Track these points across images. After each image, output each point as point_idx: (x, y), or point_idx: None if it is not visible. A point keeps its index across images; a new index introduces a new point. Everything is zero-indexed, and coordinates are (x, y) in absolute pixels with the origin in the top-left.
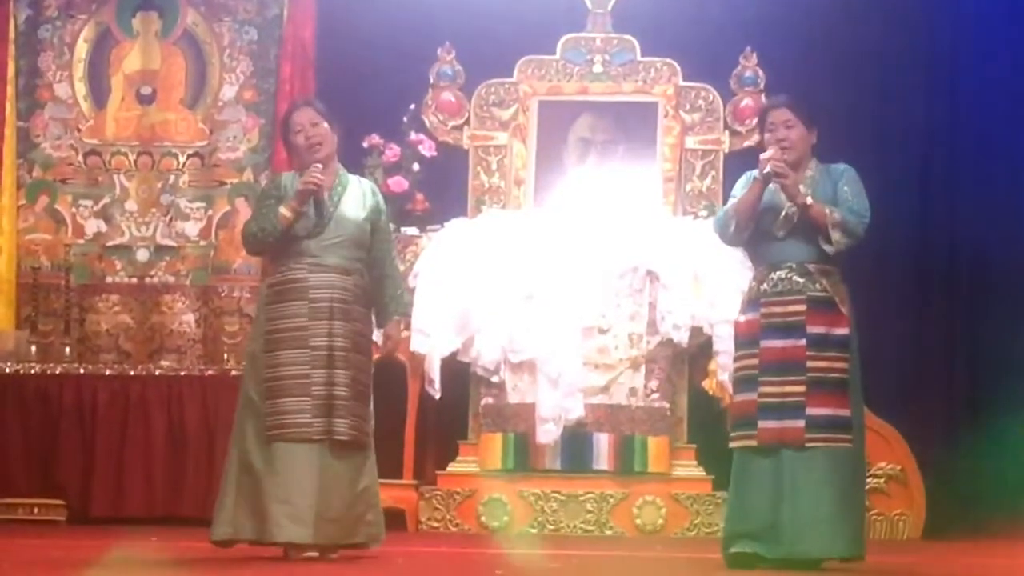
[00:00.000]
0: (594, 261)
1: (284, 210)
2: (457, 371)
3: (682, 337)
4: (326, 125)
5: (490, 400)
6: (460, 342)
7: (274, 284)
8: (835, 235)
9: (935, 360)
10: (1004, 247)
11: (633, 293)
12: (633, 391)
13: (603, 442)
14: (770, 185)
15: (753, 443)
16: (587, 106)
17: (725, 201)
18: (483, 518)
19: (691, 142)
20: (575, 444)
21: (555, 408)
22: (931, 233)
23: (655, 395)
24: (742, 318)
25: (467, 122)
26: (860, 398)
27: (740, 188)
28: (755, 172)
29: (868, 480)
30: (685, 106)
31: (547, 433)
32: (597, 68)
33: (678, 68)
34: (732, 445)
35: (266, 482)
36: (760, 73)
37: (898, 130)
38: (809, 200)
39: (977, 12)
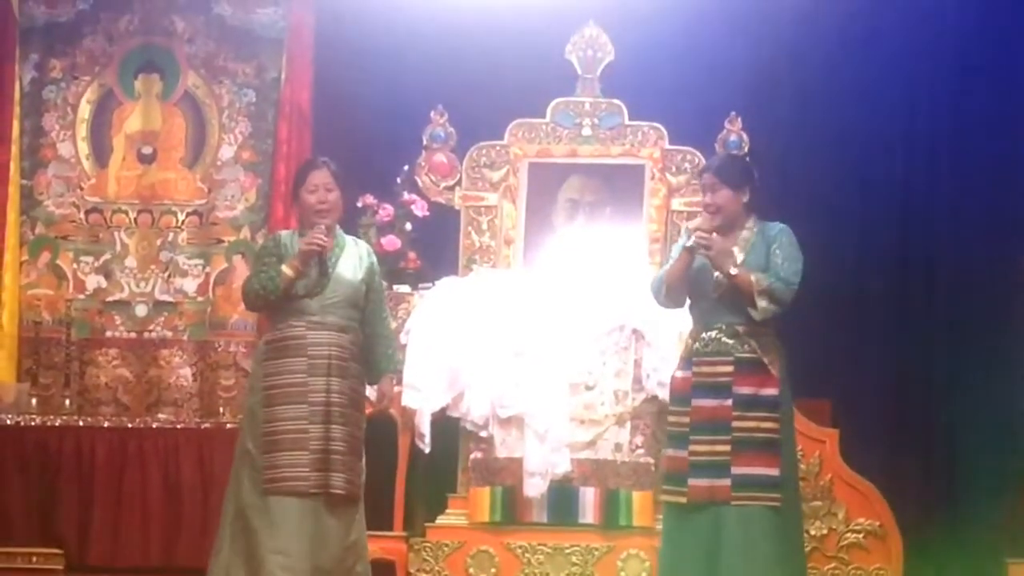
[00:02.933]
0: (581, 319)
1: (286, 269)
2: (447, 426)
3: (666, 394)
4: (338, 193)
5: (479, 454)
6: (450, 397)
7: (272, 341)
8: (761, 303)
9: (914, 416)
10: (984, 303)
11: (619, 351)
12: (618, 446)
13: (589, 496)
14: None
15: (683, 500)
16: (576, 168)
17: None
18: (471, 570)
19: (677, 204)
20: (561, 498)
21: (542, 462)
22: (912, 291)
23: (640, 450)
24: (678, 374)
25: (459, 183)
26: (791, 456)
27: (677, 249)
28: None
29: (846, 535)
30: (671, 168)
31: (534, 487)
32: (586, 131)
33: (664, 132)
34: (664, 499)
35: (262, 533)
36: (744, 137)
37: (879, 192)
38: (734, 271)
39: (957, 85)
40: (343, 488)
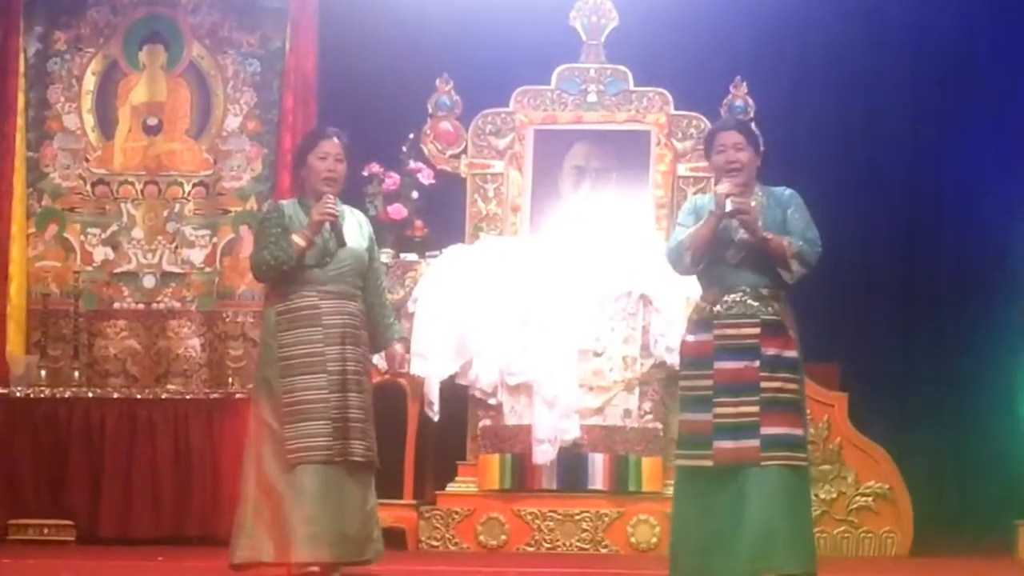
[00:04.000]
0: (589, 286)
1: (298, 239)
2: (455, 394)
3: (674, 359)
4: (345, 165)
5: (488, 422)
6: (458, 365)
7: (284, 312)
8: (794, 265)
9: (922, 378)
10: (990, 267)
11: (627, 317)
12: (627, 412)
13: (598, 462)
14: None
15: (709, 463)
16: (582, 135)
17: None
18: (481, 537)
19: (683, 169)
20: (571, 464)
21: (551, 429)
22: (917, 254)
23: (649, 416)
24: (691, 339)
25: (465, 151)
26: (807, 418)
27: (687, 215)
28: (700, 197)
29: (856, 498)
30: (677, 134)
31: (543, 454)
32: (591, 98)
33: (670, 97)
34: (682, 463)
35: (289, 504)
36: (750, 102)
37: (885, 155)
38: (769, 235)
39: (963, 40)
40: (363, 455)
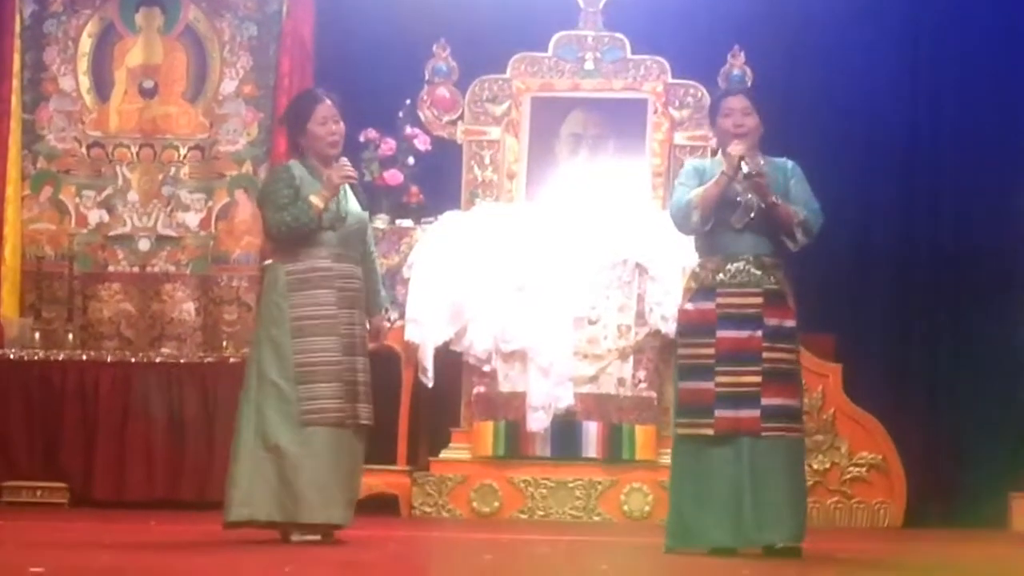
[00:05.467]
0: (584, 253)
1: (316, 200)
2: (450, 360)
3: (669, 328)
4: (342, 124)
5: (482, 389)
6: (453, 332)
7: (296, 272)
8: (798, 234)
9: (917, 350)
10: (986, 240)
11: (622, 285)
12: (621, 381)
13: (592, 430)
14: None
15: (710, 432)
16: (578, 102)
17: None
18: (474, 504)
19: (679, 138)
20: (564, 432)
21: (545, 397)
22: (913, 226)
23: (643, 384)
24: (691, 306)
25: (461, 117)
26: (802, 389)
27: (689, 175)
28: (700, 161)
29: (850, 469)
30: (674, 103)
31: (537, 421)
32: (588, 65)
33: (667, 66)
34: (682, 432)
35: (301, 465)
36: (748, 71)
37: (882, 127)
38: (778, 199)
39: (961, 13)
40: (369, 419)
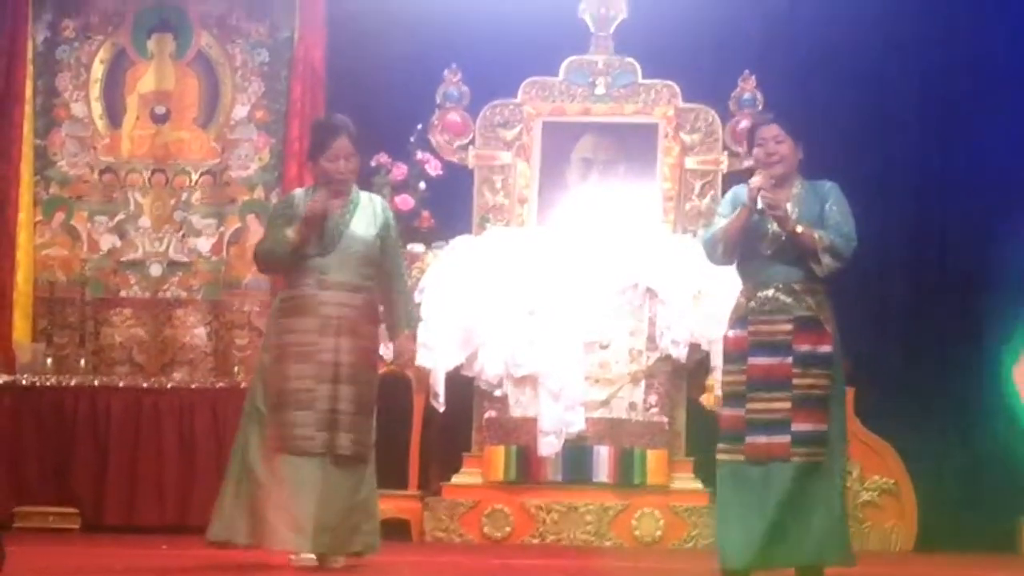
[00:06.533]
0: (595, 278)
1: (291, 233)
2: (461, 385)
3: (681, 353)
4: (357, 158)
5: (493, 413)
6: (464, 356)
7: (285, 299)
8: (825, 259)
9: (928, 374)
10: (996, 262)
11: (633, 309)
12: (633, 405)
13: (603, 455)
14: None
15: (740, 458)
16: (589, 127)
17: None
18: (486, 528)
19: (690, 162)
20: (576, 457)
21: (556, 421)
22: (924, 248)
23: (654, 409)
24: (731, 334)
25: (472, 142)
26: (843, 412)
27: (727, 205)
28: (741, 188)
29: (861, 493)
30: (685, 127)
31: (548, 446)
32: (599, 90)
33: (678, 90)
34: (720, 457)
35: (267, 490)
36: (758, 95)
37: (894, 150)
38: (800, 228)
39: (973, 36)
40: (349, 448)
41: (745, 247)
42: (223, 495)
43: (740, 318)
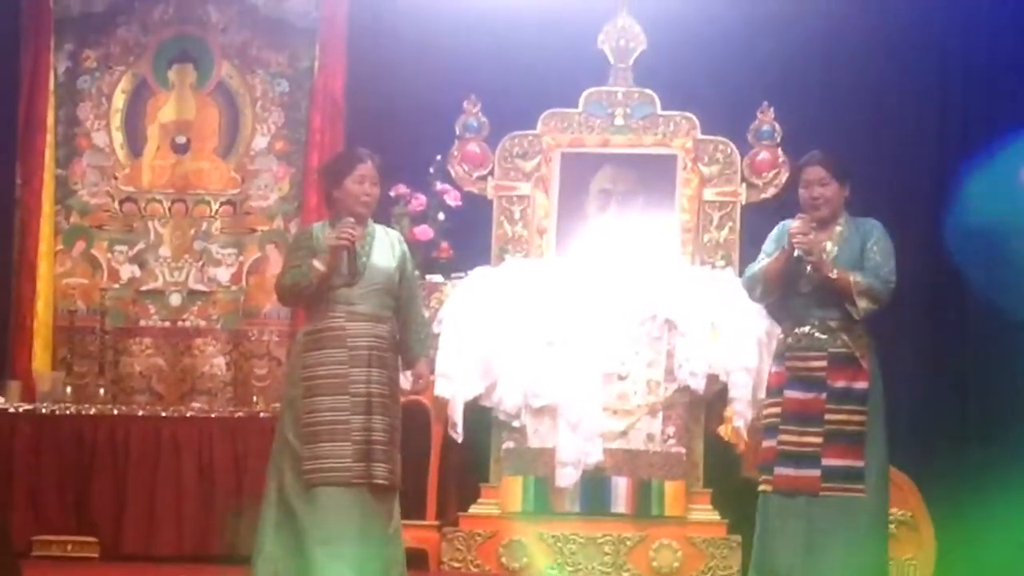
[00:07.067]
0: (614, 309)
1: (318, 264)
2: (479, 415)
3: (699, 384)
4: (379, 189)
5: (511, 444)
6: (483, 387)
7: (311, 332)
8: (861, 303)
9: (947, 407)
10: (1017, 295)
11: (651, 341)
12: (651, 436)
13: (621, 486)
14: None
15: (769, 488)
16: (608, 158)
17: (742, 251)
18: (504, 559)
19: (709, 194)
20: (594, 488)
21: (575, 452)
22: (944, 282)
23: (672, 440)
24: (772, 369)
25: (491, 173)
26: (882, 448)
27: (771, 242)
28: (788, 222)
29: None
30: (703, 159)
31: (566, 477)
32: (618, 121)
33: (697, 122)
34: (760, 488)
35: (307, 525)
36: (777, 127)
37: (913, 182)
38: (835, 273)
39: (988, 73)
40: (385, 478)
41: (785, 286)
42: (262, 533)
43: (779, 354)
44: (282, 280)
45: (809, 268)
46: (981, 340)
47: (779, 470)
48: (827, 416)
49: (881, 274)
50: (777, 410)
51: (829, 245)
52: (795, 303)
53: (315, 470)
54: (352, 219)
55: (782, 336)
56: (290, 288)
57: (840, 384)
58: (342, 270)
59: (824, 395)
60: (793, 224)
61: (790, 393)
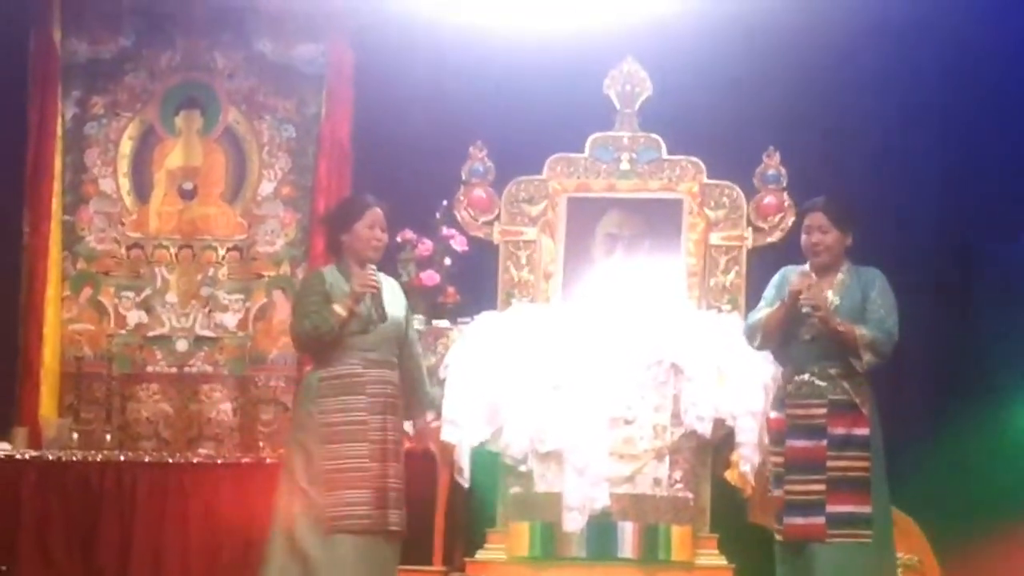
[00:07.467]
0: (620, 353)
1: (340, 309)
2: (486, 460)
3: (705, 428)
4: (387, 235)
5: (518, 489)
6: (489, 432)
7: (328, 378)
8: (866, 356)
9: (953, 450)
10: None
11: (658, 385)
12: (657, 481)
13: (628, 530)
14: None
15: (780, 538)
16: (614, 202)
17: (748, 295)
18: None
19: (715, 238)
20: (600, 532)
21: (581, 497)
22: (950, 328)
23: (679, 485)
24: (773, 415)
25: (498, 218)
26: (884, 493)
27: (772, 288)
28: (791, 269)
29: None
30: (709, 203)
31: (573, 521)
32: (624, 166)
33: (703, 166)
34: (776, 538)
35: (322, 571)
36: (783, 171)
37: (920, 227)
38: (841, 327)
39: (996, 119)
40: (399, 525)
41: (786, 334)
42: None
43: (779, 400)
44: (302, 325)
45: (812, 319)
46: (987, 388)
47: (787, 519)
48: (829, 463)
49: (885, 327)
50: (780, 459)
51: (831, 294)
52: (796, 350)
53: (337, 517)
54: (373, 265)
55: (782, 383)
56: (311, 333)
57: (840, 431)
58: (369, 316)
59: (825, 442)
60: (793, 281)
61: (792, 442)
